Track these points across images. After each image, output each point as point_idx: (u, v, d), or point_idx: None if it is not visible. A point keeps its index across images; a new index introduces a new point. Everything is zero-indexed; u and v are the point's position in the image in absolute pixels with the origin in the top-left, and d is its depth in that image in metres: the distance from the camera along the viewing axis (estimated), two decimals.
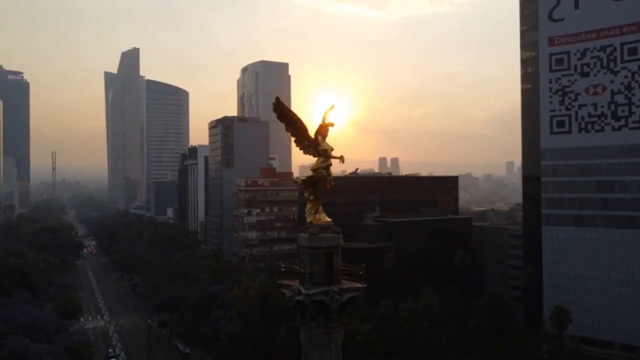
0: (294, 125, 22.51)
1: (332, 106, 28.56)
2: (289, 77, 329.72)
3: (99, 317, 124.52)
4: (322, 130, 22.87)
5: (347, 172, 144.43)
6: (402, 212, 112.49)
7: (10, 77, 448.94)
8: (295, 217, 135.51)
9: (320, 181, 23.37)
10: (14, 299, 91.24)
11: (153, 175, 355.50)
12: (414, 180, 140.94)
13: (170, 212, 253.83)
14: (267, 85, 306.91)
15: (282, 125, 23.75)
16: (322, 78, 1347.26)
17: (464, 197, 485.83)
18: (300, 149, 23.50)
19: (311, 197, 23.81)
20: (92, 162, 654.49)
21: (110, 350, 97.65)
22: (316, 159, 23.18)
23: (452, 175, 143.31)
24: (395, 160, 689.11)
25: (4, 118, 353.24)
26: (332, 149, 23.18)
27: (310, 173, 23.68)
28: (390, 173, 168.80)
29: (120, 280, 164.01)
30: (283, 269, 23.92)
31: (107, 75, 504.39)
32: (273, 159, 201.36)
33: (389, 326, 73.47)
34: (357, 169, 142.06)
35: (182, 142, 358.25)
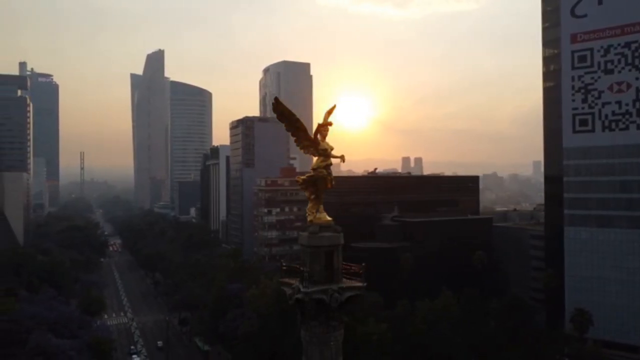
0: (294, 125, 22.63)
1: (334, 106, 28.72)
2: (310, 77, 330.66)
3: (122, 314, 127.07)
4: (322, 129, 22.99)
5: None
6: (422, 212, 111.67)
7: (40, 79, 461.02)
8: None
9: (320, 180, 23.42)
10: (40, 295, 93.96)
11: (177, 175, 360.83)
12: (434, 180, 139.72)
13: (193, 211, 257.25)
14: (288, 85, 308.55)
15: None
16: (345, 77, 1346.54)
17: (489, 197, 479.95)
18: (301, 148, 23.64)
19: (312, 197, 23.92)
20: (120, 163, 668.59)
21: (132, 347, 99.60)
22: (316, 158, 23.30)
23: (473, 175, 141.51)
24: (418, 160, 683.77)
25: (35, 119, 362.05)
26: (332, 149, 23.29)
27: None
28: (409, 173, 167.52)
29: (144, 278, 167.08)
30: (284, 268, 24.10)
31: (133, 77, 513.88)
32: (294, 158, 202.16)
33: (406, 327, 73.03)
34: (375, 169, 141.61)
35: (205, 143, 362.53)
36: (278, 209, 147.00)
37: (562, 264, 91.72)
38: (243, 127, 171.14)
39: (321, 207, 23.93)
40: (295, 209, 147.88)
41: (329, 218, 23.39)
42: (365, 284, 22.88)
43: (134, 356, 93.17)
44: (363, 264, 24.70)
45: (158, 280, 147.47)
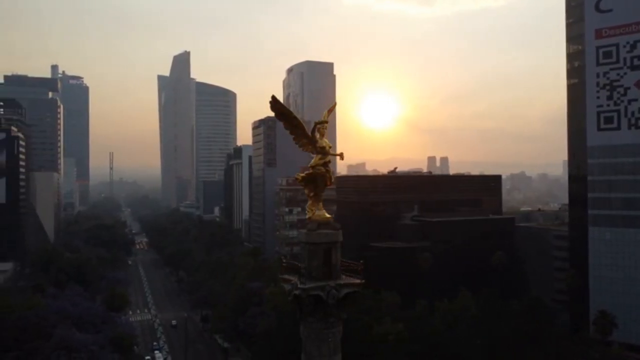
0: (292, 123, 22.85)
1: (335, 104, 28.98)
2: (333, 76, 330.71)
3: (146, 310, 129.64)
4: (319, 127, 23.17)
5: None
6: (442, 211, 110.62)
7: (71, 81, 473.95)
8: (335, 216, 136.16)
9: (319, 178, 23.52)
10: (67, 292, 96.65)
11: (202, 174, 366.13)
12: (455, 180, 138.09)
13: (217, 210, 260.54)
14: (311, 85, 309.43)
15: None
16: (369, 77, 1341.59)
17: (517, 198, 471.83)
18: (300, 146, 23.83)
19: (311, 194, 24.04)
20: (148, 162, 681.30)
21: (154, 343, 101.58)
22: (315, 156, 23.41)
23: (495, 175, 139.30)
24: (444, 160, 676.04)
25: (65, 121, 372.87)
26: (329, 146, 23.46)
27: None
28: (430, 172, 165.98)
29: (168, 275, 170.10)
30: (284, 264, 24.32)
31: (160, 78, 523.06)
32: None
33: (423, 327, 72.57)
34: (395, 168, 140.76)
35: (230, 143, 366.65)
36: (299, 208, 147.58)
37: (586, 265, 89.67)
38: (265, 127, 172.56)
39: (320, 204, 24.02)
40: None
41: (328, 215, 23.46)
42: (363, 281, 23.01)
43: (156, 352, 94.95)
44: (361, 261, 24.83)
45: (181, 278, 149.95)
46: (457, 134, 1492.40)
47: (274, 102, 21.99)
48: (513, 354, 68.60)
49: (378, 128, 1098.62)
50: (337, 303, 21.65)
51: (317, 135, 23.07)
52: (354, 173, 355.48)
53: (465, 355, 67.83)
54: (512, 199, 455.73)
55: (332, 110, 25.49)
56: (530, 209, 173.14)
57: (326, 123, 23.19)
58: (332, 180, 24.32)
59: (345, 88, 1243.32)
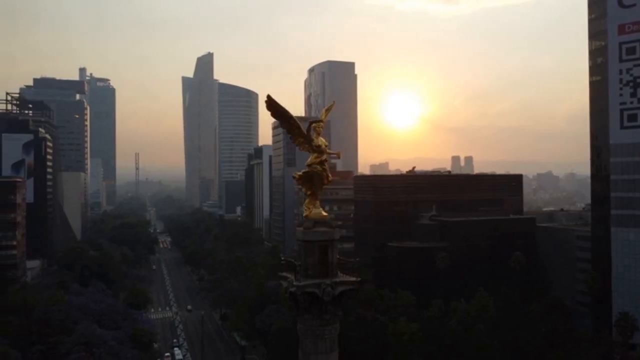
0: (288, 122, 23.10)
1: (333, 103, 29.16)
2: (355, 76, 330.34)
3: (167, 308, 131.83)
4: (315, 126, 23.40)
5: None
6: (461, 211, 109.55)
7: (99, 84, 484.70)
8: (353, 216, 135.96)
9: (316, 176, 23.74)
10: (90, 289, 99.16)
11: (225, 174, 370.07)
12: (475, 179, 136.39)
13: (239, 210, 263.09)
14: (333, 85, 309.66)
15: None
16: (393, 76, 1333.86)
17: (543, 197, 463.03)
18: (297, 145, 24.09)
19: (308, 192, 24.29)
20: (173, 163, 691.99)
21: (174, 340, 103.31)
22: (312, 154, 23.63)
23: (516, 174, 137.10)
24: (469, 159, 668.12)
25: (93, 122, 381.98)
26: (326, 145, 23.65)
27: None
28: (449, 171, 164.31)
29: (190, 274, 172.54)
30: (283, 262, 24.60)
31: (184, 80, 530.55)
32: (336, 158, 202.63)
33: (439, 327, 72.08)
34: (413, 168, 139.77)
35: (252, 143, 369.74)
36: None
37: (608, 266, 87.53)
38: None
39: (317, 202, 24.21)
40: (335, 208, 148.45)
41: (325, 214, 23.64)
42: (359, 279, 23.14)
43: (175, 349, 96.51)
44: (357, 259, 24.97)
45: (202, 276, 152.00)
46: (482, 133, 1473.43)
47: (269, 101, 22.31)
48: (532, 356, 67.62)
49: (401, 128, 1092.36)
50: (332, 300, 21.81)
51: (314, 134, 23.30)
52: (376, 173, 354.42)
53: (482, 356, 67.14)
54: (538, 198, 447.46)
55: (330, 110, 25.61)
56: (552, 208, 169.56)
57: (321, 122, 23.40)
58: (330, 178, 24.51)
59: (368, 88, 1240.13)
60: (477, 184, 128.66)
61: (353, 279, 22.86)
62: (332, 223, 23.51)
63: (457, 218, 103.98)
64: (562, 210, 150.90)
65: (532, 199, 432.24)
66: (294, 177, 24.93)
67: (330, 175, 24.58)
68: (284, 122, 23.45)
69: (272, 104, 22.48)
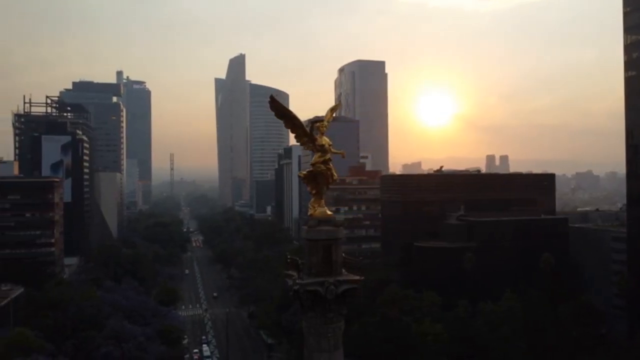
0: (291, 122, 23.36)
1: (339, 104, 29.22)
2: (385, 75, 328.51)
3: (197, 305, 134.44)
4: (318, 126, 23.59)
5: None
6: (491, 211, 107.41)
7: (135, 86, 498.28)
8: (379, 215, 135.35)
9: (320, 176, 23.87)
10: (123, 286, 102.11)
11: (256, 174, 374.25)
12: (505, 179, 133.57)
13: (269, 209, 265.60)
14: (363, 84, 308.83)
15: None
16: (426, 74, 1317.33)
17: (581, 197, 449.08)
18: (301, 144, 24.34)
19: (313, 192, 24.43)
20: (207, 163, 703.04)
21: (203, 337, 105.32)
22: (315, 154, 23.81)
23: (548, 173, 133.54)
24: (504, 158, 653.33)
25: (129, 124, 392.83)
26: (329, 144, 23.76)
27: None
28: (479, 170, 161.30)
29: (220, 272, 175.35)
30: (289, 260, 24.88)
31: (217, 81, 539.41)
32: (365, 157, 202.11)
33: (464, 328, 71.08)
34: (441, 167, 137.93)
35: (282, 143, 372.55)
36: (346, 208, 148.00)
37: None
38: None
39: (322, 201, 24.35)
40: (363, 208, 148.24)
41: (329, 212, 23.73)
42: (362, 278, 23.20)
43: (204, 345, 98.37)
44: (360, 258, 24.99)
45: (232, 274, 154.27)
46: (518, 131, 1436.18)
47: (273, 101, 22.59)
48: None
49: (434, 126, 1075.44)
50: (336, 299, 21.93)
51: (317, 134, 23.48)
52: (408, 172, 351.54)
53: (508, 358, 65.89)
54: (576, 198, 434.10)
55: (335, 109, 25.72)
56: (588, 209, 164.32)
57: (324, 122, 23.52)
58: (335, 178, 24.57)
59: (401, 87, 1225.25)
60: (508, 183, 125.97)
61: (357, 277, 22.91)
62: (336, 222, 23.58)
63: (485, 218, 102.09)
64: (597, 210, 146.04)
65: (570, 198, 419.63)
66: (299, 176, 25.17)
67: (335, 174, 24.59)
68: (287, 122, 23.69)
69: (275, 104, 22.76)
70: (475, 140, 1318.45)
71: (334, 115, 26.08)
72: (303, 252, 23.25)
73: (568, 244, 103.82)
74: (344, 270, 22.73)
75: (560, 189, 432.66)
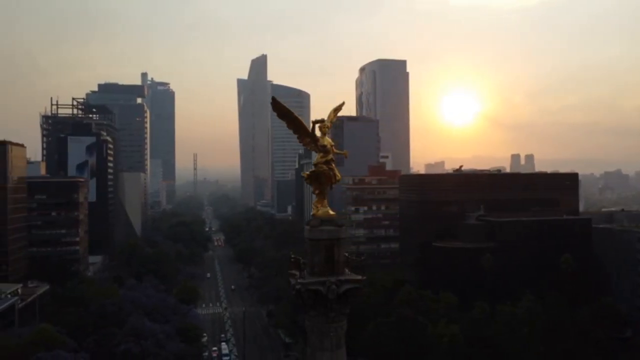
0: (293, 122, 23.59)
1: (343, 103, 29.25)
2: (406, 74, 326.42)
3: (217, 304, 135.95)
4: (320, 126, 23.74)
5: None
6: (512, 211, 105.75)
7: (159, 87, 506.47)
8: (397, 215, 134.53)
9: (322, 176, 24.04)
10: (145, 284, 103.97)
11: (277, 174, 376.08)
12: (526, 178, 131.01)
13: (290, 209, 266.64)
14: (384, 83, 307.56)
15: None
16: (449, 73, 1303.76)
17: (609, 197, 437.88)
18: (304, 145, 24.53)
19: (316, 192, 24.64)
20: (230, 163, 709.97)
21: (222, 335, 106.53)
22: (317, 154, 23.97)
23: (571, 172, 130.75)
24: (530, 157, 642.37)
25: (153, 124, 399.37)
26: (331, 145, 23.89)
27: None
28: (499, 170, 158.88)
29: (241, 271, 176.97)
30: (292, 259, 25.09)
31: (239, 81, 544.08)
32: (386, 157, 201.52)
33: (481, 330, 70.30)
34: (461, 166, 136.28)
35: None
36: (365, 207, 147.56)
37: None
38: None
39: (325, 201, 24.50)
40: (383, 207, 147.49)
41: (332, 212, 23.89)
42: (364, 277, 23.30)
43: (222, 343, 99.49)
44: (362, 257, 25.13)
45: (252, 273, 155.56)
46: (545, 129, 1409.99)
47: (274, 103, 22.86)
48: None
49: (458, 125, 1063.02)
50: (338, 298, 22.08)
51: (319, 134, 23.63)
52: (431, 172, 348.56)
53: None
54: (604, 198, 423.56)
55: (338, 109, 25.72)
56: (614, 209, 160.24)
57: (325, 122, 23.63)
58: (338, 178, 24.66)
59: (422, 85, 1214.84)
60: (529, 182, 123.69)
61: (358, 277, 23.00)
62: (338, 222, 23.73)
63: (505, 218, 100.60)
64: (622, 210, 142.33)
65: (598, 198, 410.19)
66: (302, 177, 25.38)
67: (338, 174, 24.74)
68: (289, 123, 23.91)
69: (276, 105, 23.04)
70: (501, 139, 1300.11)
71: (337, 115, 26.24)
72: (305, 252, 23.50)
73: (591, 245, 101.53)
74: (347, 270, 22.98)
75: (587, 189, 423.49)
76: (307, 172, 24.49)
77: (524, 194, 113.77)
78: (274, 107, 22.98)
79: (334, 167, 24.43)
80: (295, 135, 24.99)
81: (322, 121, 23.57)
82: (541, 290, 78.68)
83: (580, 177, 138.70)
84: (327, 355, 22.41)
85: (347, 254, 23.49)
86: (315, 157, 23.81)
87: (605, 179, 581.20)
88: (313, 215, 23.51)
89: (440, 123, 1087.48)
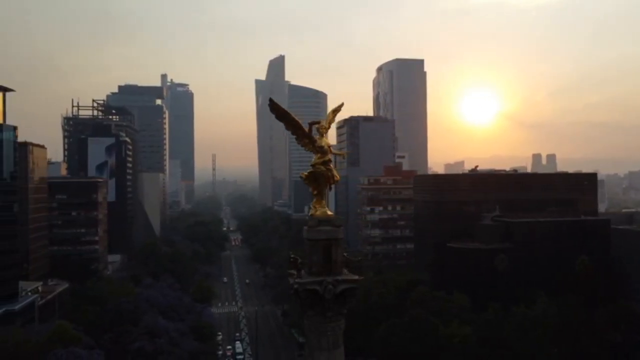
0: (291, 124, 23.78)
1: (342, 104, 29.34)
2: (424, 73, 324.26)
3: (233, 303, 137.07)
4: (318, 127, 23.92)
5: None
6: (528, 212, 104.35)
7: (178, 89, 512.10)
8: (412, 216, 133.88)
9: (320, 177, 24.18)
10: (161, 283, 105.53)
11: (295, 174, 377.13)
12: (543, 178, 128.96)
13: (306, 209, 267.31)
14: (401, 83, 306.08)
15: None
16: (469, 72, 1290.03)
17: (634, 198, 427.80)
18: (302, 146, 24.68)
19: (315, 192, 24.79)
20: (248, 163, 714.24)
21: (237, 334, 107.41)
22: (315, 155, 24.12)
23: (590, 172, 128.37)
24: (551, 157, 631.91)
25: (172, 125, 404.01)
26: (329, 145, 24.04)
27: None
28: (515, 170, 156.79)
29: (257, 271, 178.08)
30: (292, 259, 25.33)
31: (257, 82, 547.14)
32: (402, 157, 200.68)
33: (494, 331, 69.63)
34: (476, 167, 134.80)
35: None
36: (381, 208, 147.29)
37: None
38: (348, 126, 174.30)
39: (323, 202, 24.65)
40: (398, 208, 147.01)
41: (330, 213, 24.03)
42: (362, 278, 23.44)
43: (237, 342, 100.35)
44: (359, 258, 25.18)
45: (268, 273, 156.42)
46: (567, 129, 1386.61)
47: (272, 104, 23.13)
48: None
49: (478, 125, 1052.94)
50: (335, 298, 22.27)
51: (317, 135, 23.80)
52: (451, 172, 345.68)
53: None
54: (628, 198, 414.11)
55: (337, 110, 25.83)
56: (634, 209, 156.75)
57: (322, 123, 23.79)
58: (337, 179, 24.77)
59: (441, 85, 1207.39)
60: (546, 183, 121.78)
61: (356, 277, 23.16)
62: (336, 222, 23.87)
63: (520, 219, 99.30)
64: None
65: (622, 199, 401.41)
66: (300, 177, 25.60)
67: (337, 175, 24.81)
68: (287, 124, 24.08)
69: (274, 106, 23.26)
70: (521, 138, 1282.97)
71: (336, 116, 26.36)
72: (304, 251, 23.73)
73: (609, 246, 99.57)
74: (345, 270, 23.15)
75: (611, 189, 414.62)
76: (305, 173, 24.65)
77: (540, 194, 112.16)
78: (271, 109, 23.25)
79: (332, 167, 24.55)
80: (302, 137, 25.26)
81: (319, 122, 23.74)
82: (556, 292, 77.45)
83: (603, 177, 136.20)
84: (325, 355, 22.60)
85: (345, 254, 23.66)
86: (314, 158, 24.00)
87: (630, 178, 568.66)
88: (311, 215, 23.70)
89: (460, 123, 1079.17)
